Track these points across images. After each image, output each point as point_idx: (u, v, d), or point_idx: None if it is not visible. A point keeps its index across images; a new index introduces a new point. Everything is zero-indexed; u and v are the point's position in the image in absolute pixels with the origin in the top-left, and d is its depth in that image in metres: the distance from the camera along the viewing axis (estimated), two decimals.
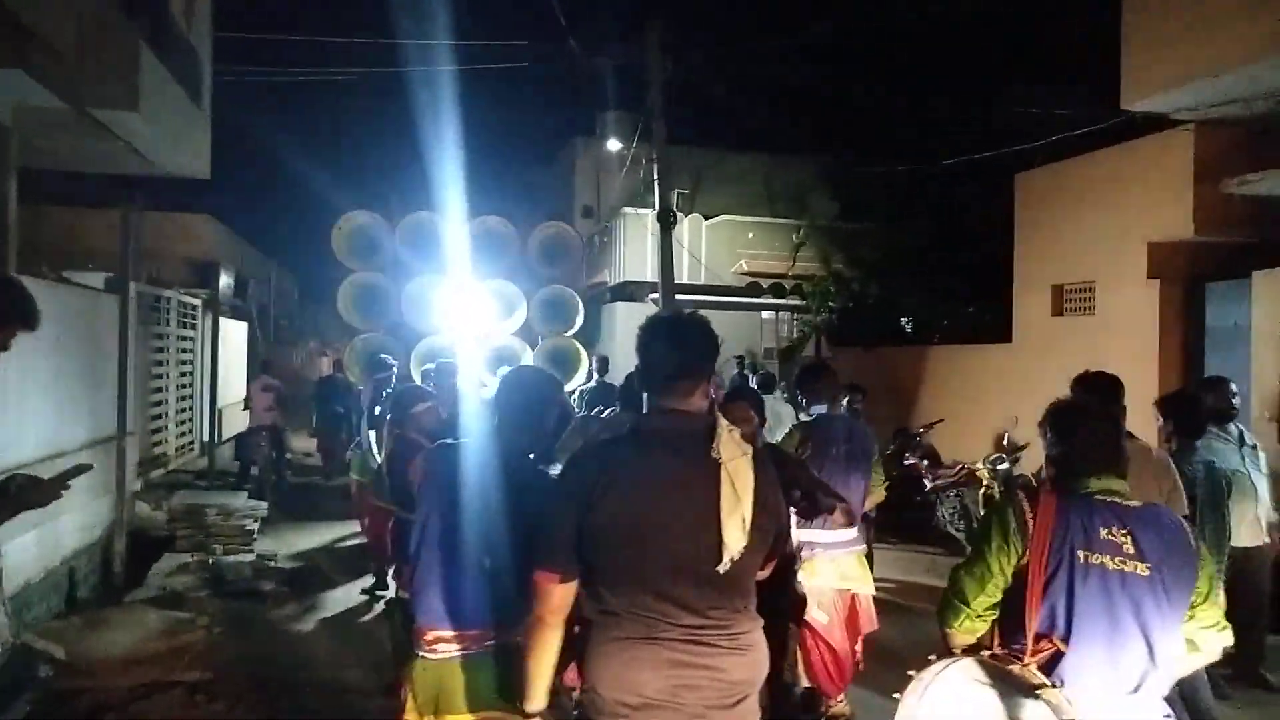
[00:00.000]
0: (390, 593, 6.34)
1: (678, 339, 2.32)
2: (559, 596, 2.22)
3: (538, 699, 2.28)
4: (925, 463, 8.44)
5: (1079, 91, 10.38)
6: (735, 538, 2.14)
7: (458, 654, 2.54)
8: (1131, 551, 2.26)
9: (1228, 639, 2.39)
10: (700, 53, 14.46)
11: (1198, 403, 4.97)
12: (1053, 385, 7.84)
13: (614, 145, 17.90)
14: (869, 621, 4.55)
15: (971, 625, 2.42)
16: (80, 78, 7.52)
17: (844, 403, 6.35)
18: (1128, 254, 8.41)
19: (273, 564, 7.32)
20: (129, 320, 6.59)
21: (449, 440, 2.81)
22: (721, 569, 2.14)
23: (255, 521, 8.26)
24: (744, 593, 2.26)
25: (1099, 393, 4.12)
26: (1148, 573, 2.25)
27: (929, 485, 8.28)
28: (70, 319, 6.91)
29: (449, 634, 2.56)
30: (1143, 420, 7.92)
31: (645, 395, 2.38)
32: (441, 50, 13.78)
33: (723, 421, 2.27)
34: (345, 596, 6.77)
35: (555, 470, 2.65)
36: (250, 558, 7.40)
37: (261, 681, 4.63)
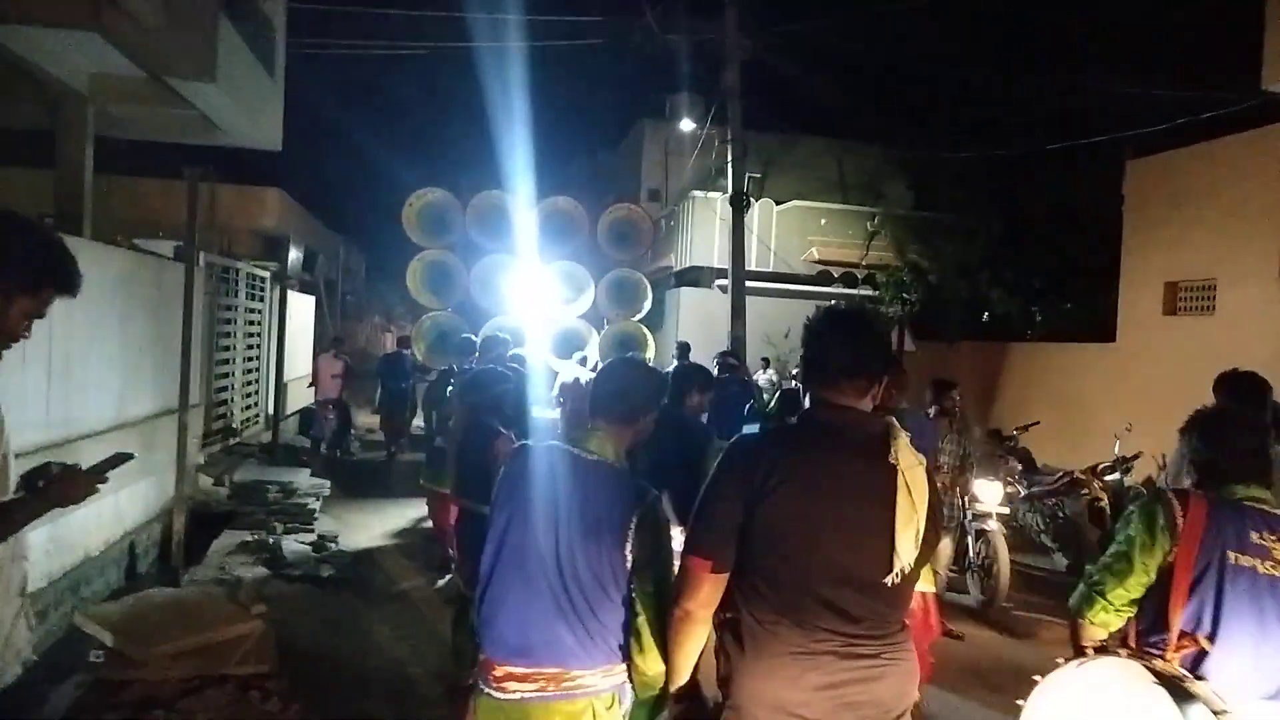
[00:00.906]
0: (446, 581, 6.08)
1: (858, 332, 2.19)
2: (709, 588, 2.07)
3: (679, 679, 2.23)
4: (1020, 468, 7.86)
5: (1194, 74, 9.63)
6: (908, 549, 2.04)
7: (533, 696, 2.18)
8: None
9: None
10: (777, 32, 13.93)
11: None
12: (1163, 389, 7.28)
13: (687, 125, 17.49)
14: (939, 623, 4.59)
15: (1106, 618, 2.44)
16: (158, 46, 7.41)
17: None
18: (1256, 250, 7.72)
19: (334, 546, 7.11)
20: (194, 289, 6.38)
21: (552, 441, 2.41)
22: (889, 581, 2.03)
23: (317, 500, 8.10)
24: (904, 606, 2.15)
25: (1246, 394, 3.98)
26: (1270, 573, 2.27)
27: (1023, 493, 7.72)
28: (138, 287, 6.78)
29: (521, 671, 2.20)
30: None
31: (809, 392, 2.24)
32: (513, 26, 13.58)
33: (896, 425, 2.16)
34: (408, 586, 6.53)
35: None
36: (311, 538, 7.21)
37: (317, 679, 4.39)
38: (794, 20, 13.74)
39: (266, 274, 11.90)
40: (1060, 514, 7.56)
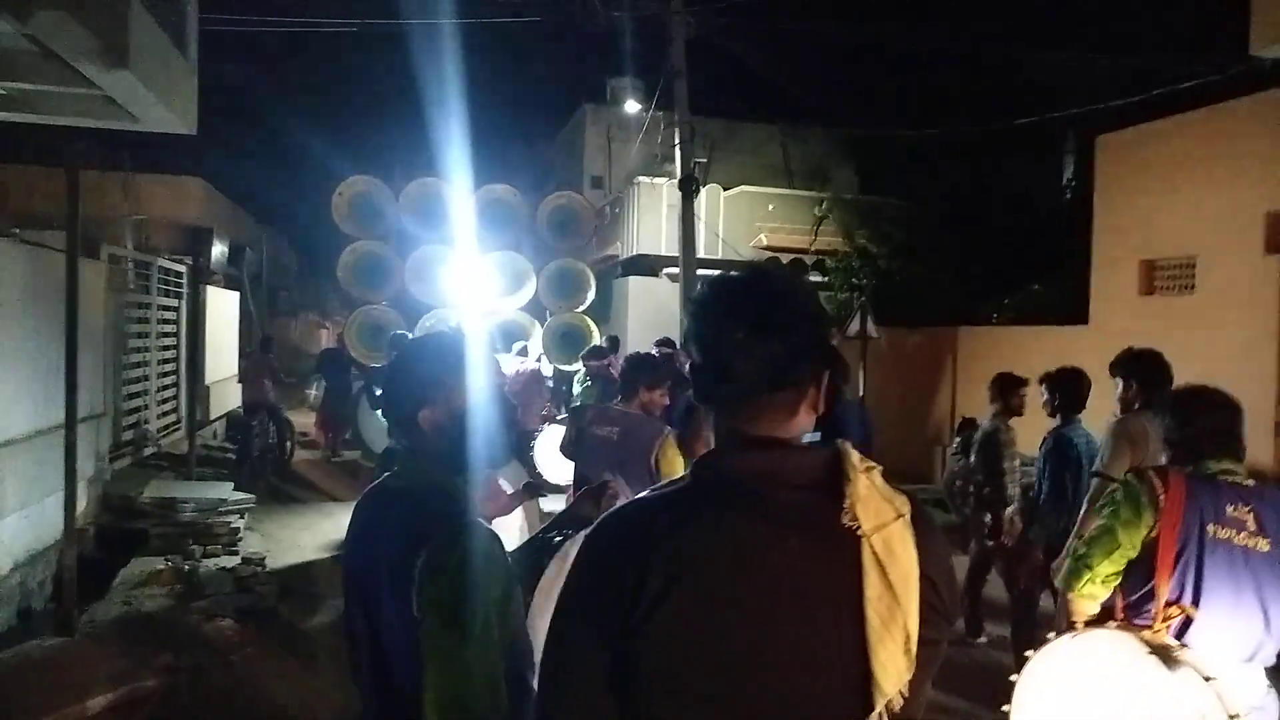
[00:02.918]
0: None
1: (764, 315, 1.28)
2: None
3: None
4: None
5: (1159, 43, 9.36)
6: (895, 668, 1.18)
7: None
8: (1254, 528, 2.43)
9: None
10: (722, 7, 13.44)
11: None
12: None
13: (632, 108, 16.98)
14: None
15: (1093, 590, 2.54)
16: (58, 22, 6.55)
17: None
18: (1239, 226, 7.43)
19: (260, 571, 6.38)
20: (87, 286, 5.60)
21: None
22: None
23: (241, 518, 7.35)
24: None
25: (1148, 374, 4.21)
26: (1269, 548, 2.41)
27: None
28: (21, 286, 5.95)
29: None
30: (1265, 401, 7.06)
31: (713, 414, 1.35)
32: (448, 3, 12.91)
33: (851, 454, 1.28)
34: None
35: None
36: (235, 562, 6.48)
37: None
38: None
39: (183, 268, 10.99)
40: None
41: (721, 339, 1.29)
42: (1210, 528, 2.42)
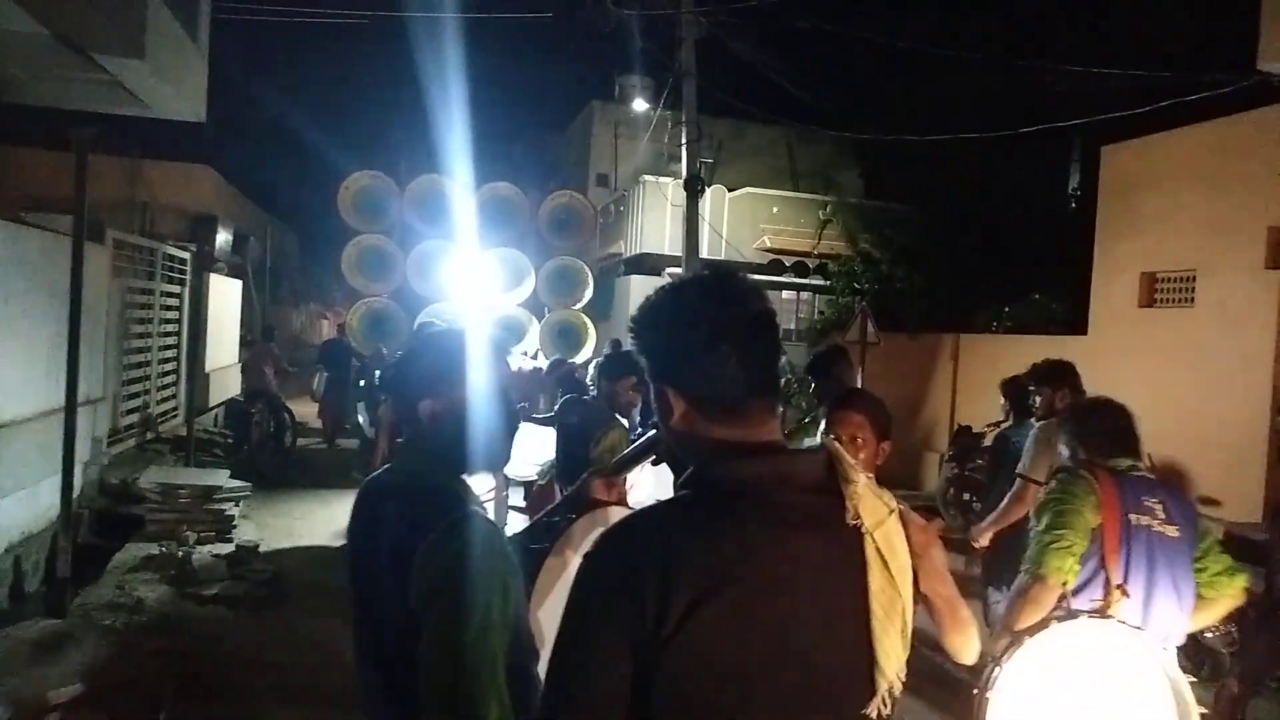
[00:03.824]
0: None
1: (743, 324, 1.32)
2: None
3: None
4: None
5: (1166, 55, 9.35)
6: (895, 654, 1.28)
7: None
8: (1164, 516, 2.68)
9: (1243, 580, 2.78)
10: (732, 9, 13.45)
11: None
12: (1138, 384, 6.93)
13: (640, 106, 16.99)
14: None
15: (1073, 564, 2.62)
16: (78, 14, 6.55)
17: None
18: (1241, 239, 7.41)
19: (254, 557, 6.40)
20: (93, 269, 5.63)
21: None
22: (872, 712, 1.27)
23: (236, 505, 7.37)
24: None
25: (1067, 383, 4.68)
26: (1177, 534, 2.67)
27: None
28: (26, 269, 5.98)
29: None
30: (1260, 416, 7.04)
31: (689, 421, 1.34)
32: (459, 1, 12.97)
33: (842, 454, 1.34)
34: (334, 603, 5.86)
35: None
36: (229, 549, 6.50)
37: None
38: None
39: (186, 255, 11.02)
40: None
41: (699, 346, 1.30)
42: (1133, 516, 2.64)
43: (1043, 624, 2.52)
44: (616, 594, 1.21)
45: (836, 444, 1.39)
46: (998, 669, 2.44)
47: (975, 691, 2.44)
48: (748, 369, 1.29)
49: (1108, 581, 2.58)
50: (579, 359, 11.54)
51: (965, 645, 2.00)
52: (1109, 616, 2.53)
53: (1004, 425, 5.48)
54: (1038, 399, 4.80)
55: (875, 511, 1.30)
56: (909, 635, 1.31)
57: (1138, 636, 2.50)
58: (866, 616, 1.26)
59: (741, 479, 1.28)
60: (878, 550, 1.28)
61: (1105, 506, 2.64)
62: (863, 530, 1.27)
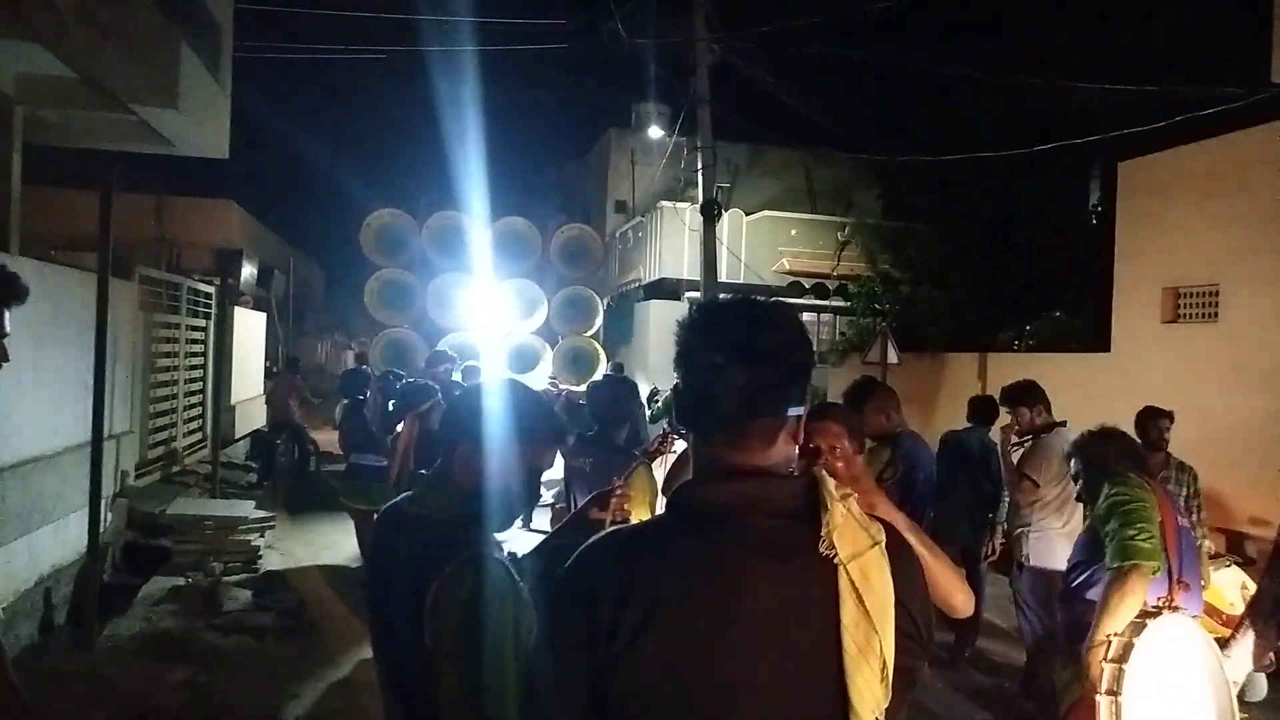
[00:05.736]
0: None
1: (744, 343, 1.28)
2: None
3: None
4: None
5: (1178, 71, 9.31)
6: (871, 695, 1.19)
7: None
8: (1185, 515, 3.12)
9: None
10: (745, 35, 13.58)
11: None
12: (1162, 400, 6.83)
13: (655, 133, 17.20)
14: None
15: (1154, 567, 2.79)
16: (84, 40, 6.74)
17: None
18: (1263, 253, 7.33)
19: (279, 587, 6.45)
20: (119, 305, 5.74)
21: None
22: None
23: (261, 536, 7.44)
24: None
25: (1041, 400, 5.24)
26: (1190, 528, 3.11)
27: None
28: (56, 306, 6.10)
29: None
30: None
31: (692, 441, 1.39)
32: (475, 30, 13.21)
33: (827, 480, 1.29)
34: (360, 631, 5.89)
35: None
36: (254, 579, 6.56)
37: None
38: (763, 23, 13.36)
39: (211, 289, 11.20)
40: None
41: (702, 365, 1.30)
42: (1178, 517, 3.00)
43: (1138, 621, 2.70)
44: (575, 609, 1.23)
45: (825, 472, 1.34)
46: (1116, 668, 2.62)
47: (1100, 695, 2.63)
48: (740, 391, 1.27)
49: (1171, 575, 2.85)
50: (582, 387, 12.17)
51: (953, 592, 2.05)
52: (1178, 609, 2.76)
53: (963, 430, 6.31)
54: (1019, 417, 5.23)
55: (855, 542, 1.23)
56: (889, 676, 1.20)
57: (1195, 624, 2.79)
58: (839, 652, 1.19)
59: (711, 501, 1.27)
60: (851, 583, 1.20)
61: (1162, 508, 2.92)
62: (836, 561, 1.21)
